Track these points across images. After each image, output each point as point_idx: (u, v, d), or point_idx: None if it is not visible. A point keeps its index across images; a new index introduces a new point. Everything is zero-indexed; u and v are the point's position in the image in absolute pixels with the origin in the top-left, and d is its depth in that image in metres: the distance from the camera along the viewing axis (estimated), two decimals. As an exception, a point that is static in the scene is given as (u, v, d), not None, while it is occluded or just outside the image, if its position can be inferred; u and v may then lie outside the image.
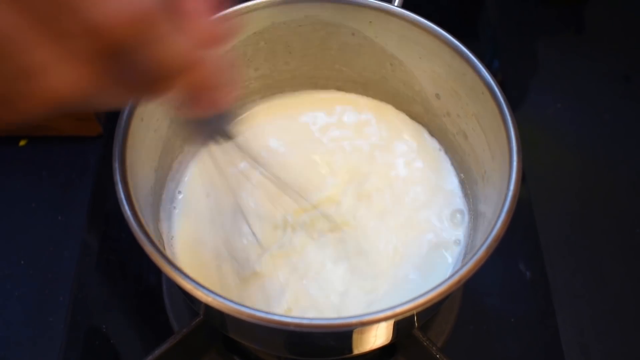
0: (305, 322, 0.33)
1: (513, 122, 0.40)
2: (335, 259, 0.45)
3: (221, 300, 0.34)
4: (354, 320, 0.33)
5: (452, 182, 0.49)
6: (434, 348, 0.45)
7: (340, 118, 0.53)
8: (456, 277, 0.34)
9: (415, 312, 0.33)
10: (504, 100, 0.41)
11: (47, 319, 0.53)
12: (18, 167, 0.62)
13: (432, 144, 0.51)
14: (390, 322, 0.37)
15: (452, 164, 0.50)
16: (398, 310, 0.33)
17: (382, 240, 0.46)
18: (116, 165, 0.39)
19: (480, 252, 0.35)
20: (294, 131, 0.52)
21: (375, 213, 0.48)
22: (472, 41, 0.44)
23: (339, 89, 0.54)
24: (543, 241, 0.57)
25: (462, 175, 0.49)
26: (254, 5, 0.46)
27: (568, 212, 0.60)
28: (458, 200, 0.48)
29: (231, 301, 0.34)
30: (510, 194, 0.36)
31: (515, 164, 0.38)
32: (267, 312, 0.33)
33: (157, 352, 0.45)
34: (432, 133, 0.52)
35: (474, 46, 0.44)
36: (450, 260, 0.46)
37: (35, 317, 0.54)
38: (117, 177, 0.38)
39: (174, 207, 0.49)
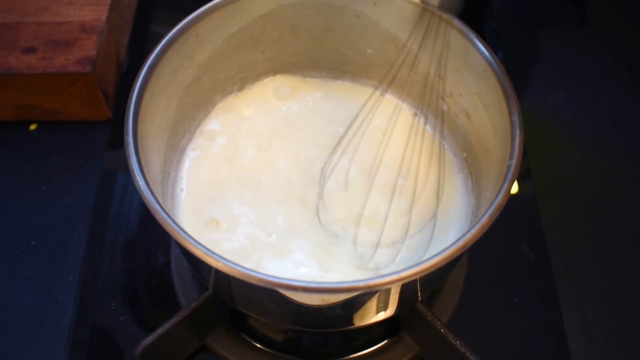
0: (312, 285, 0.34)
1: (514, 97, 0.41)
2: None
3: (231, 265, 0.35)
4: (360, 284, 0.34)
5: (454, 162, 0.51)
6: (438, 323, 0.46)
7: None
8: (460, 243, 0.35)
9: (419, 276, 0.34)
10: (506, 77, 0.42)
11: (57, 298, 0.54)
12: (28, 150, 0.63)
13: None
14: (397, 287, 0.37)
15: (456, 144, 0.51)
16: (403, 274, 0.34)
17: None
18: (129, 139, 0.40)
19: (484, 219, 0.35)
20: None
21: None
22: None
23: (344, 71, 0.55)
24: (546, 224, 0.58)
25: (464, 154, 0.49)
26: None
27: (570, 196, 0.60)
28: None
29: (241, 266, 0.34)
30: (513, 163, 0.37)
31: (517, 137, 0.39)
32: (275, 276, 0.34)
33: (167, 325, 0.46)
34: (435, 114, 0.52)
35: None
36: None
37: (45, 297, 0.54)
38: (131, 150, 0.39)
39: (181, 190, 0.49)
